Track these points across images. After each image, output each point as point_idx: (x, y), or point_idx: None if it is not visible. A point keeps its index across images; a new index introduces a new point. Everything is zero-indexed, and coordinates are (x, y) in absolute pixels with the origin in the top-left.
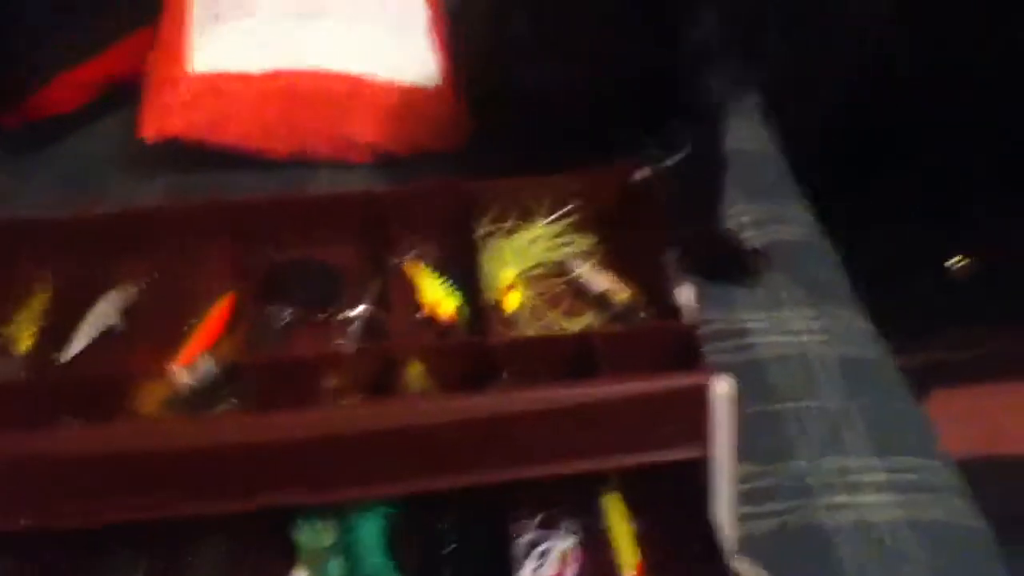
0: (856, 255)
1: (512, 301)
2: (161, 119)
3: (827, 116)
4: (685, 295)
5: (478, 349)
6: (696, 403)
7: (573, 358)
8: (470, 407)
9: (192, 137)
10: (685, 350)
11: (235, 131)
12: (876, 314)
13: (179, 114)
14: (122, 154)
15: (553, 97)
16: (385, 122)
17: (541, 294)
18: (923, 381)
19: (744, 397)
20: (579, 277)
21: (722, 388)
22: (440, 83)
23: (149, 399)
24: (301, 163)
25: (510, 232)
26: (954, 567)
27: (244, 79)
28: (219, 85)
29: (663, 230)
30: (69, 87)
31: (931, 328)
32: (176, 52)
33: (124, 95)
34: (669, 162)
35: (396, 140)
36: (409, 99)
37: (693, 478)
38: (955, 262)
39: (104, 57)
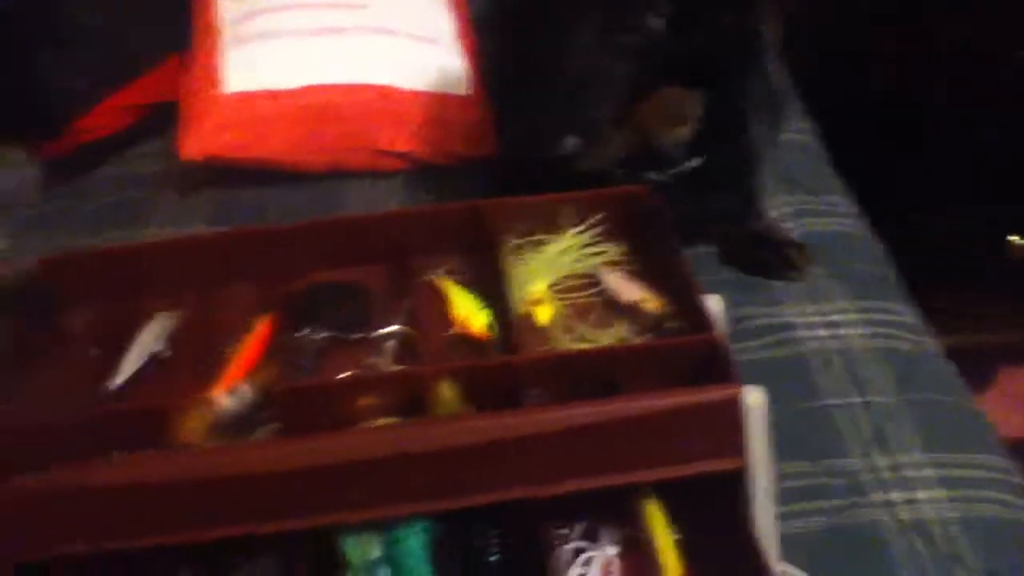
0: (908, 241)
1: (542, 314)
2: (199, 140)
3: (870, 101)
4: (714, 305)
5: (506, 367)
6: (728, 415)
7: (602, 372)
8: (502, 427)
9: (229, 156)
10: (714, 362)
11: (270, 148)
12: (933, 299)
13: (215, 134)
14: (166, 175)
15: None
16: (415, 131)
17: (570, 306)
18: (987, 361)
19: (789, 393)
20: (608, 288)
21: (754, 399)
22: (469, 90)
23: (193, 426)
24: (337, 175)
25: (538, 245)
26: (1010, 567)
27: (275, 96)
28: (252, 104)
29: (677, 243)
30: (109, 112)
31: (992, 309)
32: (209, 74)
33: (163, 118)
34: (660, 177)
35: (428, 148)
36: (438, 107)
37: (731, 487)
38: (1013, 242)
39: (141, 82)
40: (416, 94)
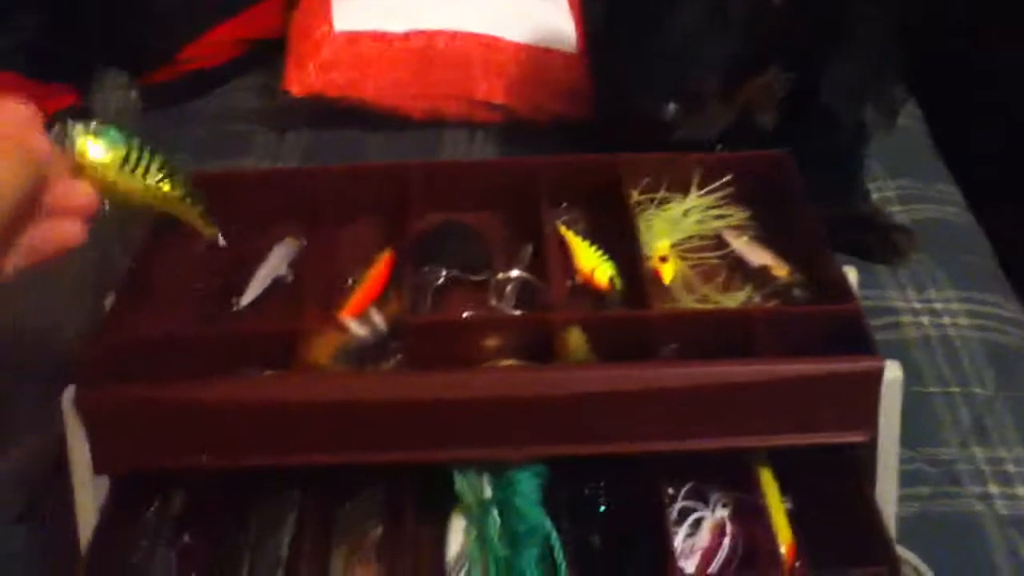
0: (1011, 236)
1: (667, 272)
2: (305, 75)
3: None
4: (850, 276)
5: (638, 321)
6: (865, 388)
7: (733, 334)
8: (632, 378)
9: (332, 94)
10: (852, 333)
11: (372, 89)
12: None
13: (321, 71)
14: (263, 110)
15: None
16: (514, 84)
17: (694, 267)
18: None
19: None
20: (735, 251)
21: (893, 373)
22: (574, 48)
23: (321, 349)
24: (430, 125)
25: (661, 203)
26: None
27: (382, 38)
28: (359, 44)
29: (815, 212)
30: (214, 44)
31: None
32: (319, 11)
33: (265, 52)
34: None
35: (525, 103)
36: (541, 62)
37: (850, 460)
38: None
39: (246, 15)
40: (519, 47)
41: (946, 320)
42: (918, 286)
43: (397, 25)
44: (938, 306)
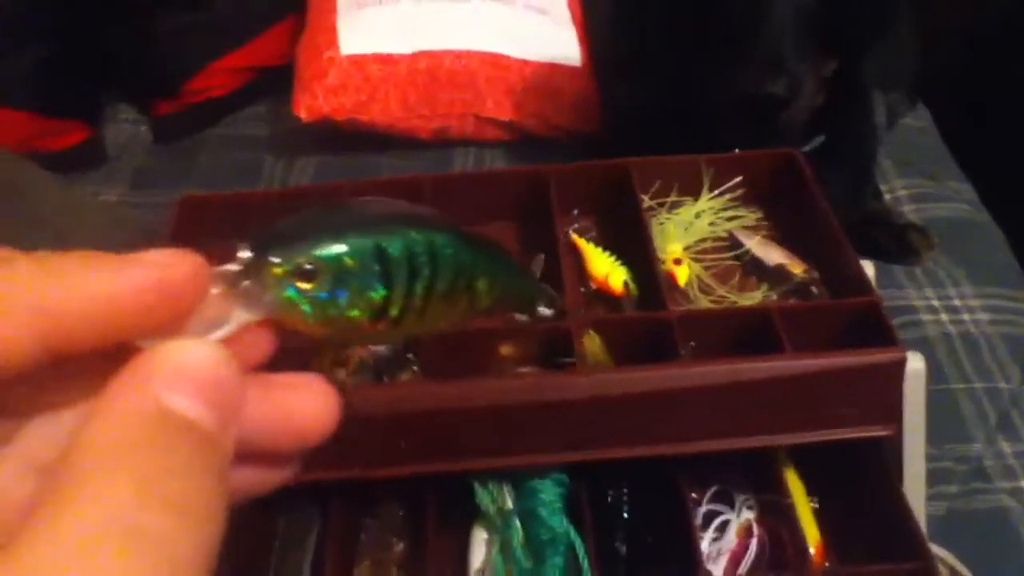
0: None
1: (681, 275)
2: (312, 100)
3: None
4: (868, 270)
5: (656, 322)
6: (888, 380)
7: (752, 332)
8: (651, 380)
9: (341, 117)
10: (872, 326)
11: (381, 111)
12: None
13: (330, 95)
14: (273, 135)
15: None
16: (521, 100)
17: (709, 268)
18: None
19: None
20: (749, 251)
21: (916, 365)
22: (578, 63)
23: (338, 366)
24: (440, 145)
25: (672, 207)
26: None
27: (389, 60)
28: (366, 67)
29: (830, 207)
30: (221, 73)
31: None
32: (325, 36)
33: (273, 79)
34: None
35: (532, 118)
36: (546, 77)
37: (876, 457)
38: None
39: (253, 44)
40: (525, 63)
41: (966, 317)
42: (936, 284)
43: (403, 46)
44: (957, 303)
